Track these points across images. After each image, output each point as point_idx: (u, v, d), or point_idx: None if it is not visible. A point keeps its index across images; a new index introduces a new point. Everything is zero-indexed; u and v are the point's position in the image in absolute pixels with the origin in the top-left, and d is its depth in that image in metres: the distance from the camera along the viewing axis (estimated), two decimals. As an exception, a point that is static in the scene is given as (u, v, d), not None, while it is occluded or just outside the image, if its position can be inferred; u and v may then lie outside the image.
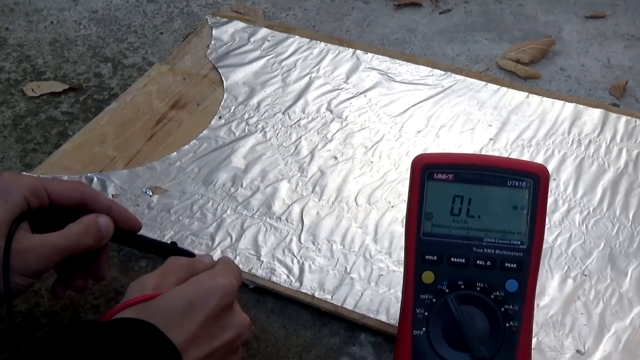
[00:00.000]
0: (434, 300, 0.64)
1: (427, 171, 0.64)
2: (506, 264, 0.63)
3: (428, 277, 0.64)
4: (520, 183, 0.64)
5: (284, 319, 0.76)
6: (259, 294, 0.78)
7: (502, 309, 0.64)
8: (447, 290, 0.64)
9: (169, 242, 0.77)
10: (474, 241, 0.64)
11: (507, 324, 0.63)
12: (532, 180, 0.64)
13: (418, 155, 0.66)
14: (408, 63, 1.04)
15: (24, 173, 0.84)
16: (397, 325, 0.67)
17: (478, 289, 0.64)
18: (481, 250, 0.64)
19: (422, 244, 0.64)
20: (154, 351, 0.58)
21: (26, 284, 0.67)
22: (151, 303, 0.61)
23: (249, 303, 0.77)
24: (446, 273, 0.64)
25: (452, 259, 0.64)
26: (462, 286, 0.64)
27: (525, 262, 0.63)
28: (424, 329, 0.64)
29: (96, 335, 0.57)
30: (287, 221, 0.84)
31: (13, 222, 0.67)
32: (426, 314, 0.64)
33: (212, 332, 0.62)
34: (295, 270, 0.79)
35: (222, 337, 0.62)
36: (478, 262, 0.64)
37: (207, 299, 0.62)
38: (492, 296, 0.64)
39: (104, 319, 0.62)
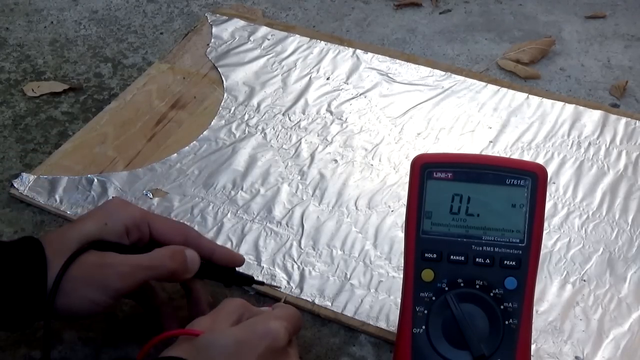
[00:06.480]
0: (433, 298, 0.64)
1: (426, 170, 0.64)
2: (505, 262, 0.64)
3: (428, 275, 0.64)
4: (519, 181, 0.64)
5: (283, 319, 0.76)
6: (260, 294, 0.78)
7: (502, 307, 0.64)
8: (446, 288, 0.64)
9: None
10: (473, 239, 0.64)
11: (507, 322, 0.63)
12: (531, 178, 0.64)
13: (418, 155, 0.66)
14: (408, 63, 1.04)
15: (133, 203, 0.82)
16: (396, 332, 0.66)
17: (477, 286, 0.64)
18: (480, 248, 0.64)
19: (422, 242, 0.65)
20: None
21: (102, 303, 0.65)
22: (198, 341, 0.59)
23: (249, 302, 0.77)
24: (446, 271, 0.64)
25: (452, 257, 0.64)
26: (462, 284, 0.64)
27: (524, 260, 0.64)
28: (423, 327, 0.64)
29: None
30: (288, 226, 0.84)
31: (94, 243, 0.66)
32: (426, 312, 0.64)
33: None
34: (296, 276, 0.79)
35: None
36: (477, 260, 0.64)
37: (256, 341, 0.60)
38: (492, 294, 0.64)
39: (146, 347, 0.61)
